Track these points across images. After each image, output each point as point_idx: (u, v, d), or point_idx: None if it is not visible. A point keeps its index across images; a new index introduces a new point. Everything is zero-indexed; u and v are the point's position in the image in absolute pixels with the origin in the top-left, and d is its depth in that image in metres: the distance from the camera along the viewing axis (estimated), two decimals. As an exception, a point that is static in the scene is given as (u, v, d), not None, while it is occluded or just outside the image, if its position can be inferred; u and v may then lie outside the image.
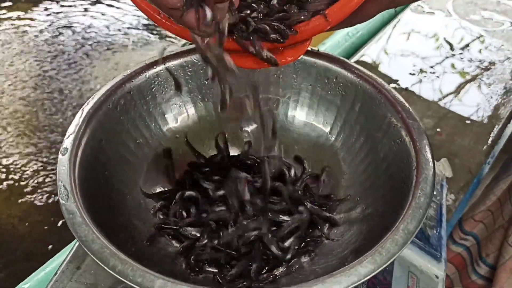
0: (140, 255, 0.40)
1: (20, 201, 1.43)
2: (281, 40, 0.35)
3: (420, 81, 0.92)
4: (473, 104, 0.88)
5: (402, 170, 0.42)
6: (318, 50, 0.51)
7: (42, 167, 1.53)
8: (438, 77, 0.94)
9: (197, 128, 0.53)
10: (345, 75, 0.49)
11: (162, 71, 0.50)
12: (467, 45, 1.03)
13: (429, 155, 0.40)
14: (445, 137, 0.80)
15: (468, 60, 0.98)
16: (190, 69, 0.52)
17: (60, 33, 2.13)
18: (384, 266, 0.33)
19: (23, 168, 1.52)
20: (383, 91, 0.46)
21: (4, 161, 1.54)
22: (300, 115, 0.53)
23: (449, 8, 1.14)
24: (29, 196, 1.45)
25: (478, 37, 1.05)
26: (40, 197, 1.45)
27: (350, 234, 0.45)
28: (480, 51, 1.01)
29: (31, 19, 2.21)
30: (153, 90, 0.50)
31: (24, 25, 2.17)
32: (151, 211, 0.48)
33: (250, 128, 0.54)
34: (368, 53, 0.99)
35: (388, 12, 1.12)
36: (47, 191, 1.46)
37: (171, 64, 0.51)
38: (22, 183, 1.48)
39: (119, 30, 2.18)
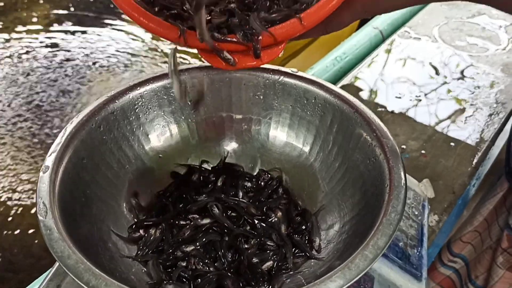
0: (119, 271, 0.41)
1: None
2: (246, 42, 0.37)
3: (416, 105, 0.94)
4: (459, 127, 0.89)
5: (376, 187, 0.43)
6: (298, 71, 0.52)
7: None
8: (421, 100, 0.95)
9: (180, 147, 0.54)
10: (324, 96, 0.51)
11: (146, 92, 0.52)
12: (453, 70, 1.05)
13: (401, 173, 0.41)
14: (429, 158, 0.81)
15: (454, 85, 1.00)
16: (173, 91, 0.53)
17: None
18: (353, 280, 0.34)
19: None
20: (359, 110, 0.47)
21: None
22: (281, 135, 0.54)
23: (435, 34, 1.17)
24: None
25: (464, 62, 1.08)
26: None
27: (327, 252, 0.46)
28: (465, 75, 1.03)
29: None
30: (136, 110, 0.52)
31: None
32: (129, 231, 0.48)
33: (231, 147, 0.55)
34: (363, 77, 1.01)
35: (375, 37, 1.15)
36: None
37: (154, 85, 0.52)
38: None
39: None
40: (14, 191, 1.57)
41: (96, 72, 2.12)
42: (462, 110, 0.93)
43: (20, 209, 1.52)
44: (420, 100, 0.95)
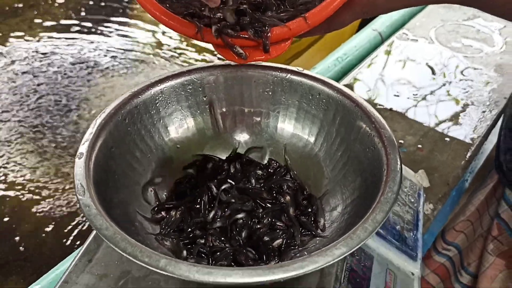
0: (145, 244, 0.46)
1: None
2: (257, 37, 0.42)
3: (415, 106, 0.99)
4: (454, 123, 0.95)
5: (375, 173, 0.48)
6: (303, 70, 0.58)
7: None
8: (423, 99, 1.01)
9: (196, 138, 0.59)
10: (327, 92, 0.56)
11: (166, 88, 0.57)
12: (449, 70, 1.11)
13: (397, 159, 0.47)
14: (425, 153, 0.86)
15: (450, 84, 1.06)
16: (190, 87, 0.58)
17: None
18: (354, 248, 0.39)
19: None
20: (360, 104, 0.53)
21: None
22: (288, 127, 0.60)
23: (431, 36, 1.23)
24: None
25: (459, 63, 1.13)
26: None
27: (331, 231, 0.51)
28: (460, 75, 1.09)
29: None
30: (157, 105, 0.57)
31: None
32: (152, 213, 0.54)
33: (243, 138, 0.60)
34: (362, 78, 1.06)
35: (375, 39, 1.20)
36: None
37: (173, 82, 0.57)
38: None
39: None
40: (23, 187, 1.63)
41: (102, 75, 2.18)
42: (457, 108, 0.98)
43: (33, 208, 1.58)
44: (419, 101, 1.00)
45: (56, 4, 2.66)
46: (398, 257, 0.60)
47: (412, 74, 1.08)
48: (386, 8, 0.47)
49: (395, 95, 1.01)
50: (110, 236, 0.40)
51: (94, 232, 0.55)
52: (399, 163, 0.46)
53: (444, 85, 1.05)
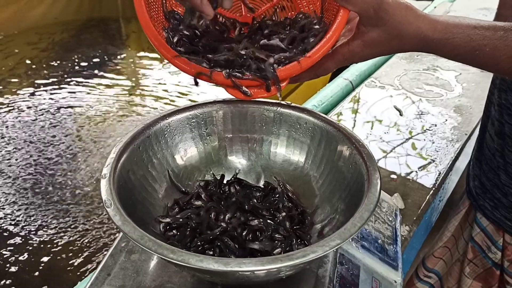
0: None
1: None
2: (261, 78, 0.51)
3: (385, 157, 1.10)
4: (421, 156, 1.05)
5: (358, 184, 0.57)
6: (291, 103, 0.67)
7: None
8: (388, 134, 1.12)
9: (198, 164, 0.67)
10: (313, 121, 0.65)
11: (172, 121, 0.65)
12: (414, 112, 1.23)
13: (376, 169, 0.55)
14: (398, 182, 0.96)
15: (415, 123, 1.17)
16: (193, 121, 0.67)
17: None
18: (346, 240, 0.47)
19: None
20: (341, 129, 0.62)
21: None
22: (280, 153, 0.68)
23: (396, 83, 1.36)
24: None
25: (423, 105, 1.26)
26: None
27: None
28: (424, 115, 1.21)
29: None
30: (165, 136, 0.65)
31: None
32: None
33: (240, 165, 0.68)
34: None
35: (346, 87, 1.33)
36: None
37: (179, 116, 0.66)
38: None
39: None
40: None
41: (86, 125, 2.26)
42: (425, 143, 1.09)
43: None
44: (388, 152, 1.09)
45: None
46: (382, 266, 0.67)
47: (382, 133, 1.16)
48: (361, 56, 0.56)
49: (367, 133, 1.12)
50: (136, 238, 0.46)
51: (110, 250, 0.60)
52: (378, 173, 0.55)
53: (409, 138, 1.17)
